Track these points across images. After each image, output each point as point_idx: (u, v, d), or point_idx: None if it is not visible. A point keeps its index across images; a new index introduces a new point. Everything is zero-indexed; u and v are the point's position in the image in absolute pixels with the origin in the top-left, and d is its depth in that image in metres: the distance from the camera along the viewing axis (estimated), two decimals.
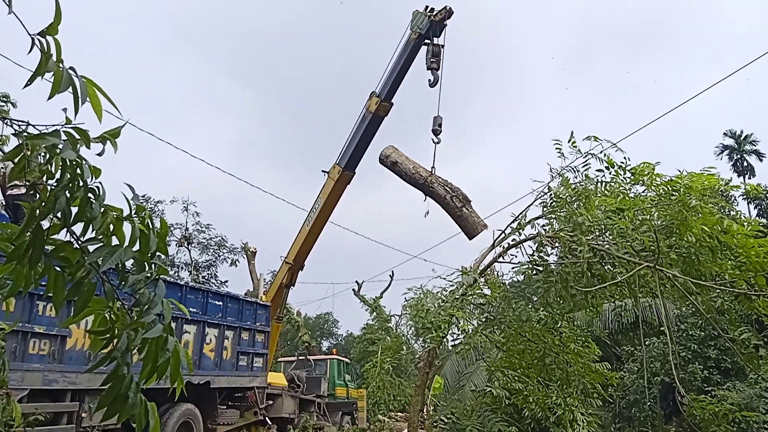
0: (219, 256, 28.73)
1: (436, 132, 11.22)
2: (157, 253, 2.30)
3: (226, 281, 29.05)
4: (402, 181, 11.04)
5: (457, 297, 8.43)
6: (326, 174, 13.58)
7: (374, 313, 26.36)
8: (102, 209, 2.27)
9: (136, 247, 2.30)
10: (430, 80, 11.24)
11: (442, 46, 11.35)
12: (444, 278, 8.88)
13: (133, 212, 2.28)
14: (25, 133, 2.20)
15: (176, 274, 27.89)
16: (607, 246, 7.32)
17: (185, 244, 27.65)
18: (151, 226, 2.19)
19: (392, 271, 29.00)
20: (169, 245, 27.75)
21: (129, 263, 2.29)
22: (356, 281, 29.33)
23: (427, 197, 10.71)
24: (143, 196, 26.56)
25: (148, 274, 2.11)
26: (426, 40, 11.39)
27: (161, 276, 2.14)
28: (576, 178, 8.11)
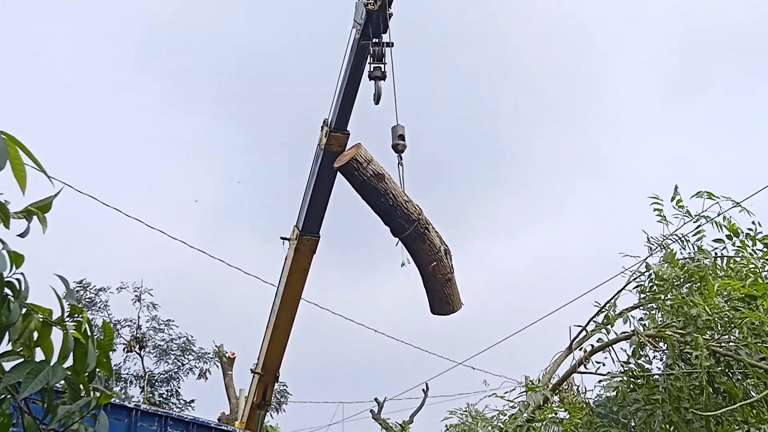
0: (183, 364, 28.70)
1: (397, 147, 10.93)
2: (97, 372, 2.31)
3: (192, 401, 28.88)
4: (373, 211, 10.78)
5: (520, 424, 8.25)
6: (286, 242, 13.58)
7: None
8: (23, 311, 2.30)
9: (69, 363, 2.32)
10: (374, 95, 11.15)
11: (390, 45, 11.14)
12: (501, 396, 8.70)
13: (66, 314, 2.31)
14: None
15: (123, 391, 27.81)
16: (735, 348, 7.16)
17: (135, 349, 27.70)
18: (89, 334, 2.21)
19: (426, 384, 28.53)
20: (114, 350, 27.82)
21: (59, 385, 2.29)
22: (375, 399, 28.90)
23: (405, 246, 10.51)
24: (80, 282, 26.86)
25: (86, 403, 2.11)
26: (369, 39, 11.11)
27: (104, 404, 2.14)
28: (685, 250, 8.04)
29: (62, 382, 2.22)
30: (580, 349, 8.66)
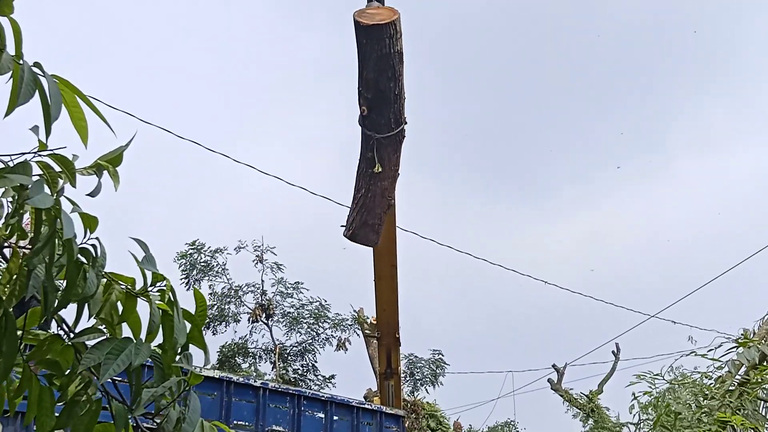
0: (317, 334, 29.27)
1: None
2: (189, 348, 2.42)
3: (332, 377, 29.63)
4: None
5: (731, 388, 8.06)
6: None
7: (589, 420, 25.68)
8: (103, 282, 2.43)
9: (158, 341, 2.44)
10: None
11: None
12: (703, 355, 8.49)
13: (149, 284, 2.41)
14: None
15: (252, 367, 28.80)
16: None
17: (262, 318, 28.41)
18: (175, 304, 2.31)
19: (616, 345, 28.00)
20: (239, 321, 28.88)
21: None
22: (553, 366, 28.76)
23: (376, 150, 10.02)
24: (192, 244, 27.85)
25: (174, 384, 2.22)
26: None
27: (192, 386, 2.24)
28: None
29: (150, 360, 2.32)
30: None
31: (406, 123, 9.75)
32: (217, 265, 28.62)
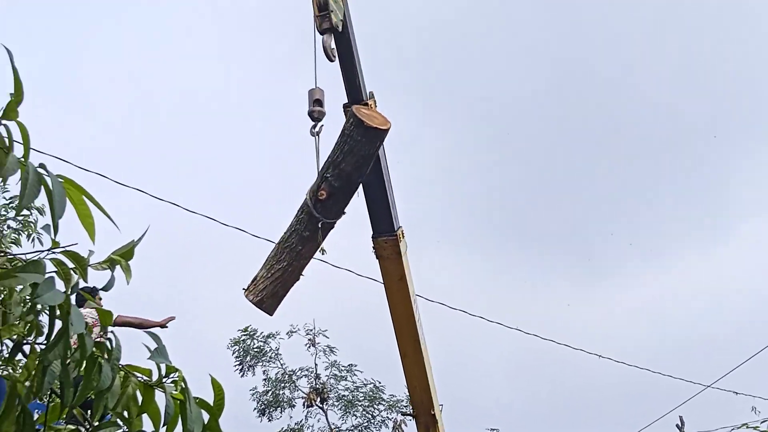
0: (373, 416, 29.16)
1: (313, 115, 10.50)
2: None
3: None
4: None
5: None
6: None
7: None
8: (119, 375, 2.46)
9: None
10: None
11: None
12: (755, 428, 8.28)
13: (163, 375, 2.45)
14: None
15: None
16: None
17: (317, 402, 28.43)
18: (188, 394, 2.33)
19: (680, 417, 27.36)
20: (293, 406, 28.83)
21: None
22: None
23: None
24: (245, 330, 28.07)
25: None
26: None
27: None
28: None
29: None
30: None
31: (344, 213, 10.05)
32: (270, 350, 28.79)
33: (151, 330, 11.00)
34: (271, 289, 9.64)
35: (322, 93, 10.97)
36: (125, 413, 2.49)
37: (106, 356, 2.42)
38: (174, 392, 2.44)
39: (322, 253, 9.79)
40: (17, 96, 2.16)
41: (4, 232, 12.19)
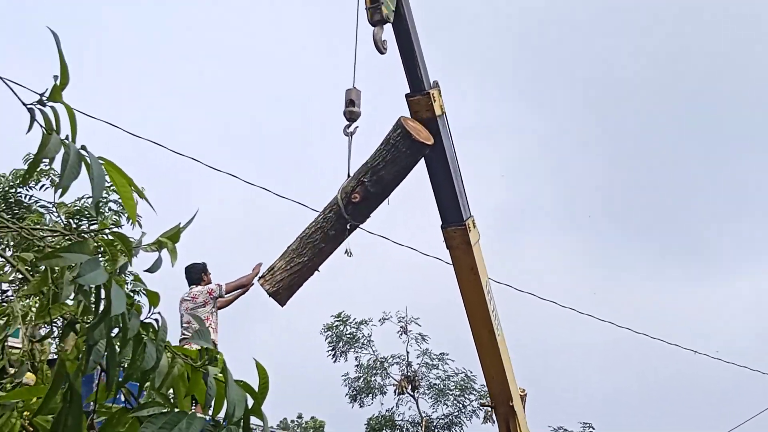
0: (464, 406, 29.02)
1: (350, 114, 10.19)
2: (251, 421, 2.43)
3: None
4: None
5: None
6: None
7: None
8: (165, 356, 2.49)
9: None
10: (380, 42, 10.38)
11: None
12: None
13: (206, 357, 2.46)
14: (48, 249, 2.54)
15: None
16: None
17: (408, 390, 28.41)
18: (228, 377, 2.34)
19: None
20: (385, 393, 28.92)
21: None
22: None
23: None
24: (338, 316, 28.28)
25: None
26: None
27: None
28: None
29: None
30: None
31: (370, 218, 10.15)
32: (362, 336, 28.91)
33: (243, 283, 11.23)
34: (288, 281, 9.75)
35: (358, 94, 11.00)
36: (171, 393, 2.52)
37: (152, 336, 2.45)
38: (217, 374, 2.45)
39: (349, 255, 9.78)
40: (63, 79, 2.20)
41: (106, 214, 12.55)
